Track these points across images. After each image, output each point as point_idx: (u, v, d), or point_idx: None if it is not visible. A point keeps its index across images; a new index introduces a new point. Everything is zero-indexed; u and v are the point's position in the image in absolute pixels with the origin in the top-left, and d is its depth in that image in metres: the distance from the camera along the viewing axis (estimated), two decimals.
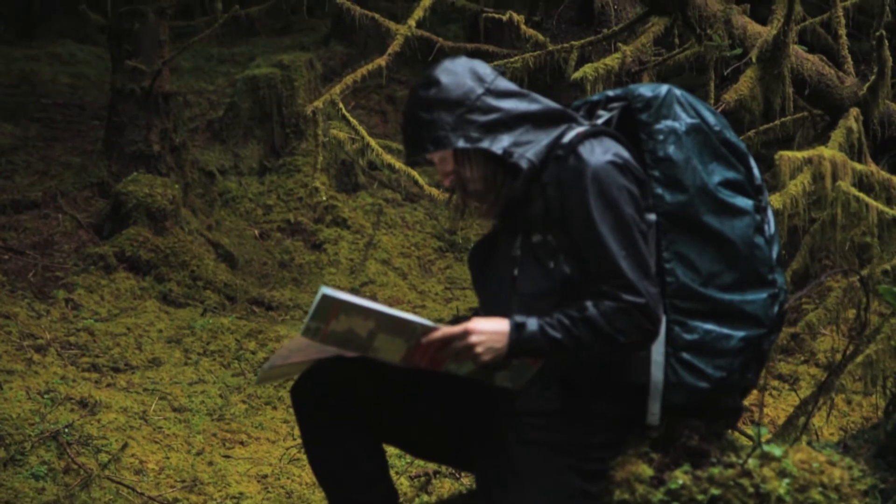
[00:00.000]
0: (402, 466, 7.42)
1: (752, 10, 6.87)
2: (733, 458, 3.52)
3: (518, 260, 3.61)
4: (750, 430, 3.70)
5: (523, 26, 7.59)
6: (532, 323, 3.47)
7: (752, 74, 6.13)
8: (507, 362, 3.57)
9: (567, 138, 3.56)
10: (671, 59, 7.01)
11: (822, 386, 5.92)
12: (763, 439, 3.53)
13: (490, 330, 3.50)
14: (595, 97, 3.81)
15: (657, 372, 3.53)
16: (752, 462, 3.46)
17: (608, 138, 3.57)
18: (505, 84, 3.67)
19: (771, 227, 3.67)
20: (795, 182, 5.31)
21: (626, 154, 3.53)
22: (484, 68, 3.66)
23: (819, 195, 5.52)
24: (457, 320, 3.64)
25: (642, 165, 3.58)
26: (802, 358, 8.71)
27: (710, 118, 3.65)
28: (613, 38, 6.85)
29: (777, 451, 3.49)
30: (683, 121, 3.60)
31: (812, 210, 5.90)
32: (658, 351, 3.54)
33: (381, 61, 6.81)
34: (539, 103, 3.66)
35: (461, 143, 3.57)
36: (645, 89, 3.68)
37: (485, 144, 3.57)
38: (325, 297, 3.38)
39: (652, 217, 3.55)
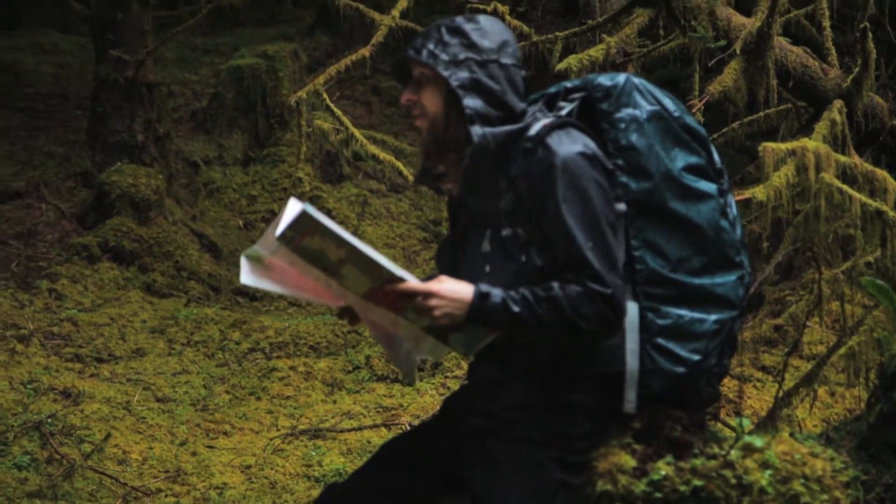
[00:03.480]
0: None
1: (737, 2, 6.87)
2: (716, 450, 3.52)
3: (489, 255, 3.61)
4: (732, 422, 3.71)
5: (508, 17, 7.58)
6: (496, 294, 3.48)
7: (737, 66, 6.13)
8: (461, 327, 3.58)
9: (534, 130, 3.57)
10: (656, 51, 7.00)
11: (805, 378, 5.93)
12: (745, 430, 3.54)
13: (453, 296, 3.51)
14: (552, 89, 3.82)
15: (632, 360, 3.55)
16: (734, 453, 3.47)
17: (575, 129, 3.58)
18: (518, 76, 3.68)
19: (733, 209, 3.70)
20: (779, 174, 5.31)
21: (593, 145, 3.54)
22: (517, 50, 3.70)
23: (803, 187, 5.52)
24: (429, 280, 3.65)
25: (605, 155, 3.59)
26: (786, 349, 8.71)
27: (670, 104, 3.68)
28: (598, 30, 6.83)
29: (759, 442, 3.50)
30: (644, 108, 3.63)
31: (796, 202, 5.91)
32: (632, 339, 3.55)
33: (365, 52, 6.80)
34: (522, 99, 3.67)
35: (445, 73, 3.59)
36: (604, 79, 3.71)
37: (460, 92, 3.59)
38: (304, 214, 3.41)
39: (622, 206, 3.56)
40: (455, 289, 3.53)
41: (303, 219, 3.42)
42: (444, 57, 3.62)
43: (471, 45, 3.63)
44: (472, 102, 3.58)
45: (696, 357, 3.55)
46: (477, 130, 3.56)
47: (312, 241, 3.47)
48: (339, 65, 6.80)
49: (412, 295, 3.53)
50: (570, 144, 3.50)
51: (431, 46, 3.65)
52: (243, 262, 3.62)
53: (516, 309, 3.46)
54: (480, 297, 3.49)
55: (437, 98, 3.67)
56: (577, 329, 3.43)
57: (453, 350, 3.70)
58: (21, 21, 16.95)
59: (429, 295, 3.52)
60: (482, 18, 3.70)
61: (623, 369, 3.56)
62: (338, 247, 3.49)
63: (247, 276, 3.60)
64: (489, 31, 3.67)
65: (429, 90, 3.68)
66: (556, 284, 3.44)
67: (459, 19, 3.69)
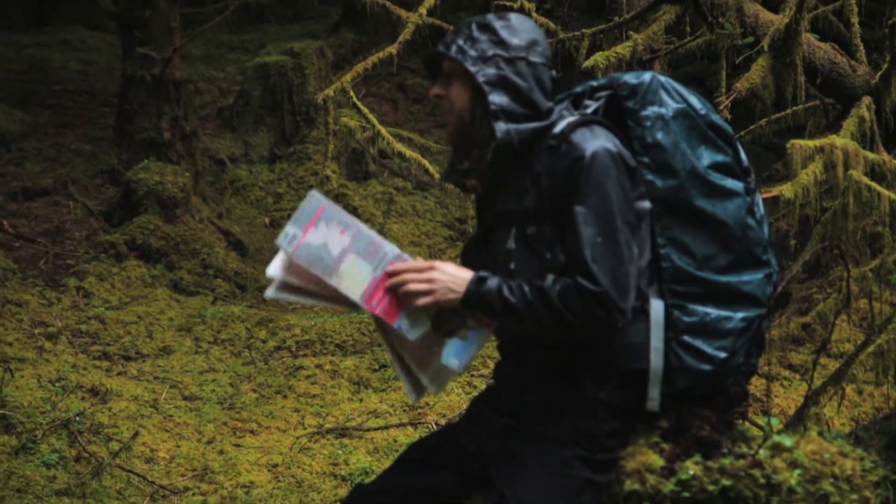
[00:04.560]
0: None
1: None
2: (744, 449, 3.51)
3: (513, 253, 3.61)
4: (760, 421, 3.69)
5: (534, 14, 7.57)
6: (493, 281, 3.50)
7: (764, 63, 6.10)
8: (460, 323, 3.61)
9: (559, 128, 3.57)
10: (682, 48, 6.98)
11: (833, 376, 5.91)
12: (774, 430, 3.52)
13: (452, 273, 3.55)
14: (578, 88, 3.82)
15: (657, 358, 3.53)
16: (763, 453, 3.45)
17: (600, 127, 3.57)
18: (546, 75, 3.67)
19: (760, 207, 3.68)
20: (807, 171, 5.29)
21: (618, 142, 3.53)
22: (547, 49, 3.70)
23: (831, 184, 5.49)
24: None
25: (631, 152, 3.58)
26: (813, 348, 8.68)
27: (696, 102, 3.67)
28: (625, 27, 6.82)
29: (788, 441, 3.49)
30: (670, 106, 3.62)
31: (824, 199, 5.88)
32: (657, 336, 3.53)
33: (392, 49, 6.80)
34: (549, 97, 3.67)
35: (472, 68, 3.61)
36: (629, 77, 3.70)
37: (487, 88, 3.60)
38: (312, 196, 3.50)
39: (646, 204, 3.54)
40: (454, 269, 3.57)
41: (310, 203, 3.51)
42: (473, 53, 3.62)
43: (499, 42, 3.63)
44: (497, 99, 3.59)
45: (723, 354, 3.53)
46: (501, 126, 3.56)
47: (316, 232, 3.51)
48: (366, 62, 6.80)
49: (413, 271, 3.56)
50: (594, 141, 3.50)
51: (461, 42, 3.66)
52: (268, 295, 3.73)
53: (509, 296, 3.47)
54: (478, 280, 3.52)
55: (464, 93, 3.67)
56: (567, 322, 3.43)
57: (447, 365, 3.68)
58: (49, 18, 17.01)
59: (429, 268, 3.55)
60: (513, 16, 3.70)
61: (647, 367, 3.54)
62: (342, 232, 3.52)
63: (273, 292, 3.64)
64: (519, 28, 3.67)
65: (457, 85, 3.69)
66: (550, 277, 3.44)
67: (490, 16, 3.70)
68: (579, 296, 3.40)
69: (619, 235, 3.43)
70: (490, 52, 3.62)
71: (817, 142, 5.35)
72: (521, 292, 3.46)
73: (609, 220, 3.43)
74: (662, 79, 3.67)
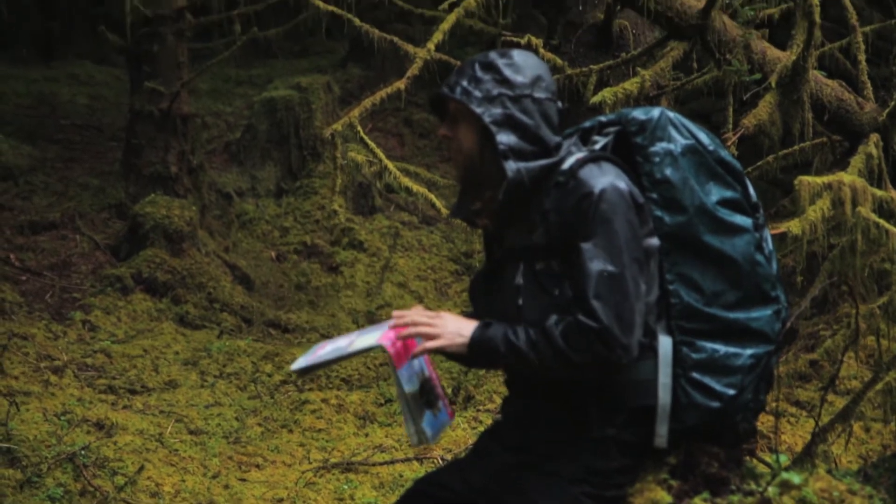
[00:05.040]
0: None
1: (771, 35, 6.86)
2: (753, 486, 3.49)
3: (522, 289, 3.60)
4: (768, 458, 3.68)
5: (541, 49, 7.60)
6: (498, 326, 3.51)
7: (772, 99, 6.12)
8: (435, 399, 3.73)
9: (567, 164, 3.56)
10: (689, 84, 7.01)
11: (841, 413, 5.89)
12: (782, 467, 3.51)
13: (458, 320, 3.58)
14: (587, 123, 3.81)
15: (665, 394, 3.51)
16: (771, 490, 3.44)
17: (608, 163, 3.57)
18: (553, 110, 3.68)
19: (769, 243, 3.67)
20: (815, 207, 5.29)
21: (625, 179, 3.53)
22: (551, 84, 3.70)
23: (838, 221, 5.49)
24: None
25: (640, 188, 3.57)
26: (820, 384, 8.66)
27: (705, 138, 3.66)
28: (632, 63, 6.85)
29: (797, 479, 3.47)
30: (678, 142, 3.61)
31: (831, 236, 5.88)
32: (665, 373, 3.52)
33: (401, 84, 6.82)
34: (556, 133, 3.67)
35: (478, 109, 3.60)
36: (638, 112, 3.69)
37: (494, 128, 3.59)
38: (297, 372, 3.78)
39: (654, 241, 3.54)
40: (459, 319, 3.59)
41: (300, 373, 3.80)
42: (477, 93, 3.62)
43: (504, 81, 3.63)
44: (505, 138, 3.59)
45: (732, 391, 3.52)
46: (511, 166, 3.56)
47: (323, 348, 3.80)
48: (374, 97, 6.82)
49: (420, 316, 3.59)
50: (602, 177, 3.49)
51: (465, 83, 3.65)
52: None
53: (514, 338, 3.46)
54: (484, 325, 3.53)
55: (471, 134, 3.67)
56: (571, 361, 3.41)
57: (424, 430, 3.75)
58: (57, 53, 17.09)
59: (437, 316, 3.58)
60: (515, 53, 3.70)
61: (655, 403, 3.53)
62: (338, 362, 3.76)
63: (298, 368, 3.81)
64: (522, 65, 3.67)
65: (464, 126, 3.69)
66: (554, 317, 3.44)
67: (493, 54, 3.70)
68: (581, 333, 3.39)
69: (626, 272, 3.42)
70: (495, 92, 3.62)
71: (825, 178, 5.35)
72: (525, 334, 3.46)
73: (616, 257, 3.42)
74: (671, 115, 3.67)
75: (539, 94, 3.64)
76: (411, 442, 3.80)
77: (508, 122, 3.60)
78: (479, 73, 3.65)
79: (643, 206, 3.53)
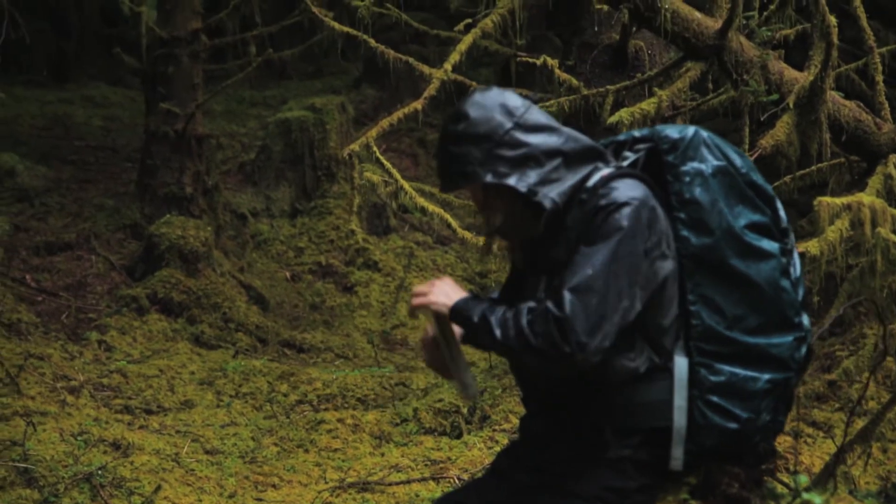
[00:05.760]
0: None
1: (786, 56, 6.87)
2: None
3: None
4: (787, 479, 3.67)
5: (557, 70, 7.61)
6: (484, 302, 3.57)
7: (789, 120, 6.13)
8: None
9: (592, 182, 3.55)
10: (705, 104, 7.02)
11: (860, 434, 5.88)
12: (802, 487, 3.50)
13: (453, 287, 3.65)
14: (621, 137, 3.79)
15: (680, 417, 3.51)
16: None
17: (633, 179, 3.55)
18: (536, 117, 3.63)
19: (797, 269, 3.64)
20: (833, 228, 5.29)
21: (648, 196, 3.51)
22: (514, 100, 3.63)
23: (857, 241, 5.49)
24: None
25: (668, 207, 3.56)
26: (837, 405, 8.63)
27: (737, 160, 3.62)
28: (648, 83, 6.87)
29: (818, 499, 3.47)
30: (710, 163, 3.59)
31: (850, 256, 5.87)
32: (681, 395, 3.51)
33: (418, 105, 6.84)
34: (570, 139, 3.62)
35: (489, 178, 3.56)
36: (671, 131, 3.66)
37: (511, 181, 3.55)
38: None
39: (668, 265, 3.51)
40: (456, 287, 3.66)
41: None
42: (474, 167, 3.59)
43: (480, 138, 3.58)
44: (524, 180, 3.56)
45: (749, 414, 3.51)
46: (546, 203, 3.54)
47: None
48: (391, 117, 6.84)
49: (425, 283, 3.69)
50: (624, 192, 3.47)
51: (459, 167, 3.61)
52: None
53: (488, 314, 3.49)
54: (471, 297, 3.59)
55: (497, 197, 3.64)
56: (528, 343, 3.41)
57: (470, 388, 3.80)
58: (71, 74, 17.17)
59: (436, 280, 3.67)
60: (464, 107, 3.63)
61: (671, 425, 3.52)
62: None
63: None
64: (479, 114, 3.60)
65: (489, 197, 3.66)
66: (532, 303, 3.46)
67: (450, 127, 3.64)
68: (543, 317, 3.38)
69: (612, 280, 3.39)
70: (482, 153, 3.56)
71: (844, 199, 5.36)
72: (501, 312, 3.48)
73: (607, 264, 3.39)
74: (705, 135, 3.63)
75: (514, 120, 3.59)
76: (465, 394, 3.80)
77: (516, 164, 3.57)
78: (457, 150, 3.61)
79: (661, 228, 3.51)
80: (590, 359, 3.38)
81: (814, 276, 6.19)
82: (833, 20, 6.17)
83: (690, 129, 3.65)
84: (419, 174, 14.48)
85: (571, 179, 3.56)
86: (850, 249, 5.73)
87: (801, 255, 5.29)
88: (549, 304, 3.38)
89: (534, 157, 3.57)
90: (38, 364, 9.08)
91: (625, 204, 3.44)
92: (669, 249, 3.52)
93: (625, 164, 3.68)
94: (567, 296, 3.37)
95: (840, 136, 6.46)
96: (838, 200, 5.31)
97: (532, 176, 3.55)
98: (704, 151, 3.61)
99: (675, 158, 3.61)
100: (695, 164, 3.59)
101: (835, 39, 6.11)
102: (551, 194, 3.54)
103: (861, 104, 6.64)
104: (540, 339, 3.38)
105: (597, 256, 3.40)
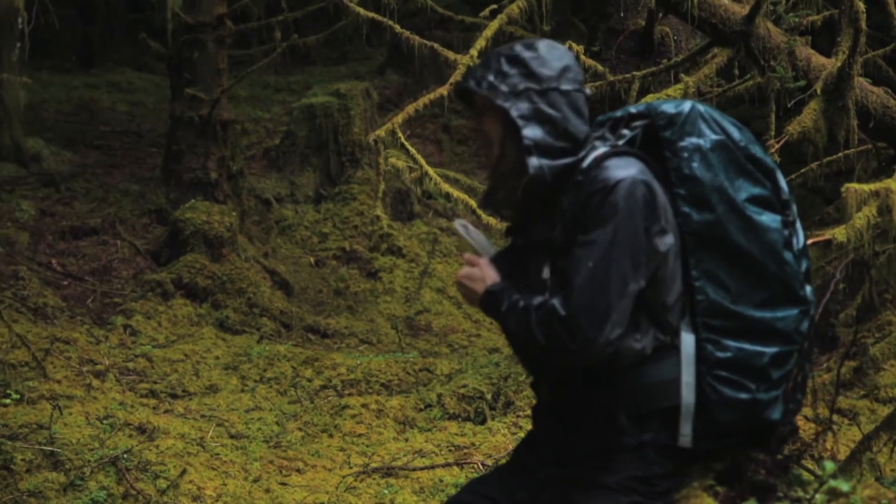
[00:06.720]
0: None
1: (813, 43, 6.83)
2: (800, 493, 3.48)
3: (548, 283, 3.57)
4: (812, 466, 3.66)
5: (583, 56, 7.59)
6: (512, 293, 3.55)
7: (816, 107, 6.08)
8: None
9: (587, 163, 3.51)
10: (731, 91, 6.98)
11: (886, 421, 5.86)
12: (829, 474, 3.49)
13: (489, 274, 3.65)
14: (617, 113, 3.74)
15: (688, 393, 3.47)
16: (819, 497, 3.42)
17: (629, 157, 3.51)
18: (581, 100, 3.60)
19: (799, 241, 3.59)
20: (860, 215, 5.25)
21: (644, 173, 3.47)
22: (578, 73, 3.61)
23: (885, 228, 5.45)
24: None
25: (667, 184, 3.52)
26: (862, 392, 8.62)
27: (735, 134, 3.56)
28: (675, 69, 6.83)
29: (845, 486, 3.45)
30: (708, 137, 3.53)
31: (877, 243, 5.84)
32: (688, 372, 3.47)
33: (444, 91, 6.82)
34: (590, 139, 3.62)
35: (505, 104, 3.56)
36: (668, 106, 3.61)
37: (521, 122, 3.54)
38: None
39: (668, 240, 3.46)
40: (495, 274, 3.66)
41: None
42: (504, 88, 3.56)
43: (530, 75, 3.56)
44: (531, 133, 3.53)
45: (757, 384, 3.48)
46: (534, 162, 3.51)
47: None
48: (417, 103, 6.83)
49: (474, 261, 3.71)
50: (619, 170, 3.43)
51: (491, 77, 3.59)
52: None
53: (509, 308, 3.50)
54: (502, 288, 3.58)
55: (498, 126, 3.62)
56: (536, 339, 3.41)
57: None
58: (97, 60, 17.21)
59: (474, 263, 3.69)
60: (541, 45, 3.62)
61: (679, 403, 3.51)
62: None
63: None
64: (548, 58, 3.59)
65: (490, 119, 3.64)
66: (541, 297, 3.45)
67: (518, 47, 3.62)
68: (548, 315, 3.37)
69: (613, 265, 3.36)
70: (522, 87, 3.55)
71: (873, 186, 5.32)
72: (517, 304, 3.49)
73: (607, 250, 3.37)
74: (702, 109, 3.58)
75: (566, 86, 3.56)
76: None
77: (536, 117, 3.53)
78: (505, 67, 3.58)
79: (658, 205, 3.46)
80: (603, 351, 3.37)
81: (839, 263, 6.16)
82: (861, 6, 6.14)
83: (687, 104, 3.59)
84: (443, 160, 14.47)
85: (567, 160, 3.54)
86: (878, 236, 5.69)
87: (827, 241, 5.27)
88: (555, 303, 3.38)
89: (554, 126, 3.54)
90: (65, 348, 9.13)
91: (618, 184, 3.41)
92: (669, 224, 3.48)
93: (621, 142, 3.65)
94: (571, 294, 3.36)
95: (867, 123, 6.42)
96: (866, 187, 5.27)
97: (539, 135, 3.53)
98: (702, 126, 3.55)
99: (672, 134, 3.55)
100: (693, 140, 3.53)
101: (863, 25, 6.07)
102: (543, 162, 3.53)
103: (889, 90, 6.59)
104: (545, 337, 3.39)
105: (596, 246, 3.37)
